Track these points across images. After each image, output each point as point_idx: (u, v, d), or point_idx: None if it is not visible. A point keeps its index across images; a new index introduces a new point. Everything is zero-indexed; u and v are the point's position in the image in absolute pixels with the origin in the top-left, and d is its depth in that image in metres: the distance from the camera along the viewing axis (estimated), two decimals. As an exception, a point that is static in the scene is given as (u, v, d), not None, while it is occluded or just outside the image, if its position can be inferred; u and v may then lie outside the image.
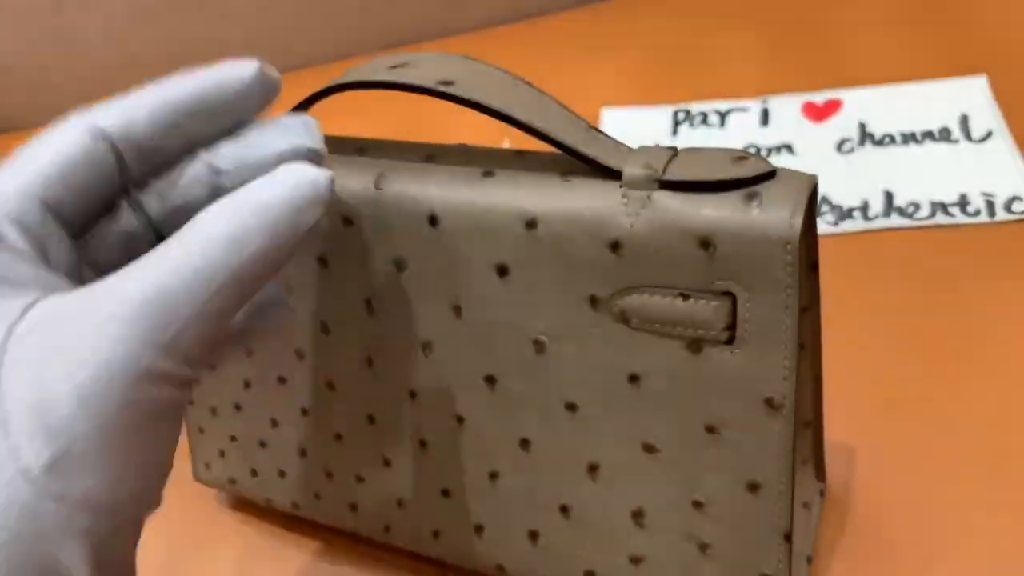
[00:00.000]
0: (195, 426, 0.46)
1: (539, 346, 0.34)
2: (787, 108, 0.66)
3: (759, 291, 0.29)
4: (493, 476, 0.37)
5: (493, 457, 0.37)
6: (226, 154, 0.30)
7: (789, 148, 0.62)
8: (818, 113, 0.65)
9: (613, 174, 0.31)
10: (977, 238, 0.53)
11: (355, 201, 0.35)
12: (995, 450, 0.43)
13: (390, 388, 0.38)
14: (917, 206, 0.56)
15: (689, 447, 0.33)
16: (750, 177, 0.29)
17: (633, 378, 0.33)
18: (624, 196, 0.31)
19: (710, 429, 0.32)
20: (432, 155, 0.35)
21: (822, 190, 0.57)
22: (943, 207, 0.55)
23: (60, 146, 0.29)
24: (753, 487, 0.32)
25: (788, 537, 0.32)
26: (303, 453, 0.43)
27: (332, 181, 0.28)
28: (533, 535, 0.38)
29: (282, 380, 0.42)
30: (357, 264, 0.36)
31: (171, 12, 0.82)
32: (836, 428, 0.44)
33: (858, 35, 0.71)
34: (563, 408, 0.34)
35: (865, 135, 0.62)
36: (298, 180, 0.28)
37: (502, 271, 0.33)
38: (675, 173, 0.30)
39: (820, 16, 0.73)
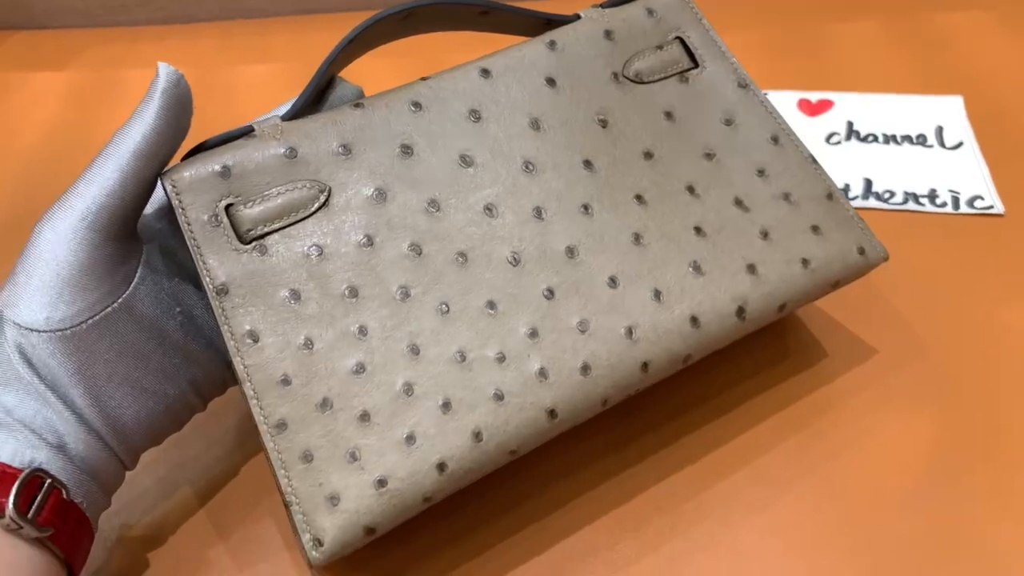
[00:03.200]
0: (312, 498, 0.40)
1: (603, 123, 0.48)
2: (783, 101, 0.72)
3: (688, 27, 0.52)
4: (637, 237, 0.48)
5: (620, 221, 0.48)
6: None
7: (784, 137, 0.70)
8: (811, 109, 0.70)
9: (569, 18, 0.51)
10: (942, 225, 0.60)
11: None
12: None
13: (506, 233, 0.47)
14: (892, 193, 0.62)
15: (727, 140, 0.50)
16: None
17: (668, 115, 0.49)
18: (591, 14, 0.51)
19: (727, 123, 0.50)
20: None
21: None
22: (915, 197, 0.62)
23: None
24: (774, 139, 0.52)
25: (813, 159, 0.52)
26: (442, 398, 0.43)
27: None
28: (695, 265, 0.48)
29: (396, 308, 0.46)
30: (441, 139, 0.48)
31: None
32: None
33: (853, 49, 0.76)
34: (642, 158, 0.49)
35: (852, 132, 0.69)
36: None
37: (551, 83, 0.49)
38: None
39: (820, 28, 0.78)
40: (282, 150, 0.47)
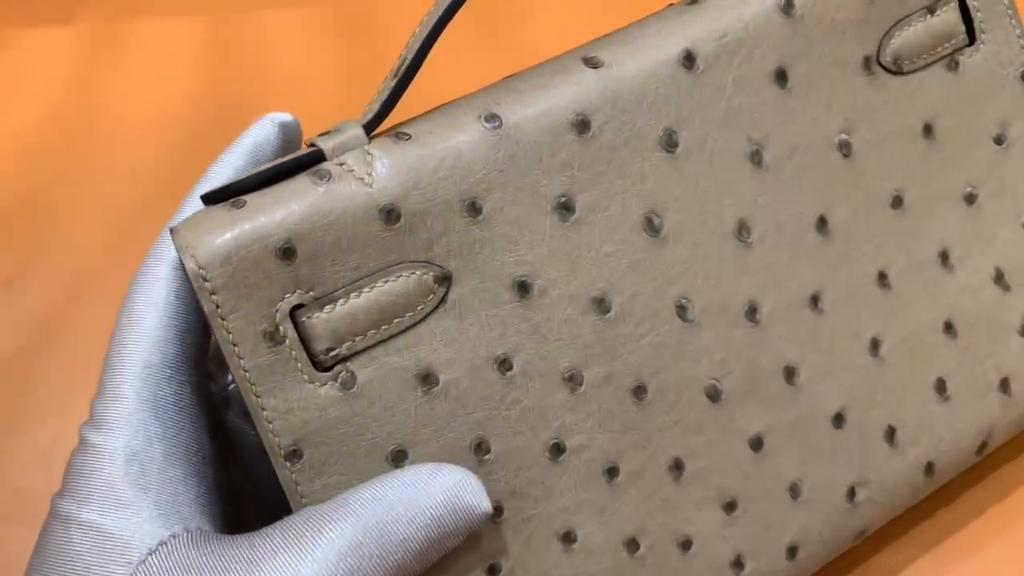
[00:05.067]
0: None
1: (845, 148, 0.34)
2: None
3: None
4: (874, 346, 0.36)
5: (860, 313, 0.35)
6: None
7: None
8: None
9: None
10: None
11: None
12: None
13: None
14: None
15: (992, 170, 0.36)
16: None
17: (927, 129, 0.35)
18: None
19: (998, 140, 0.36)
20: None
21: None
22: None
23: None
24: None
25: None
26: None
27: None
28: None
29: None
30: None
31: None
32: None
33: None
34: (889, 206, 0.35)
35: None
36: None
37: (781, 78, 0.33)
38: None
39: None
40: (379, 205, 0.30)
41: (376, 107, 0.31)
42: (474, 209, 0.30)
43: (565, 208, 0.31)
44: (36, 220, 0.58)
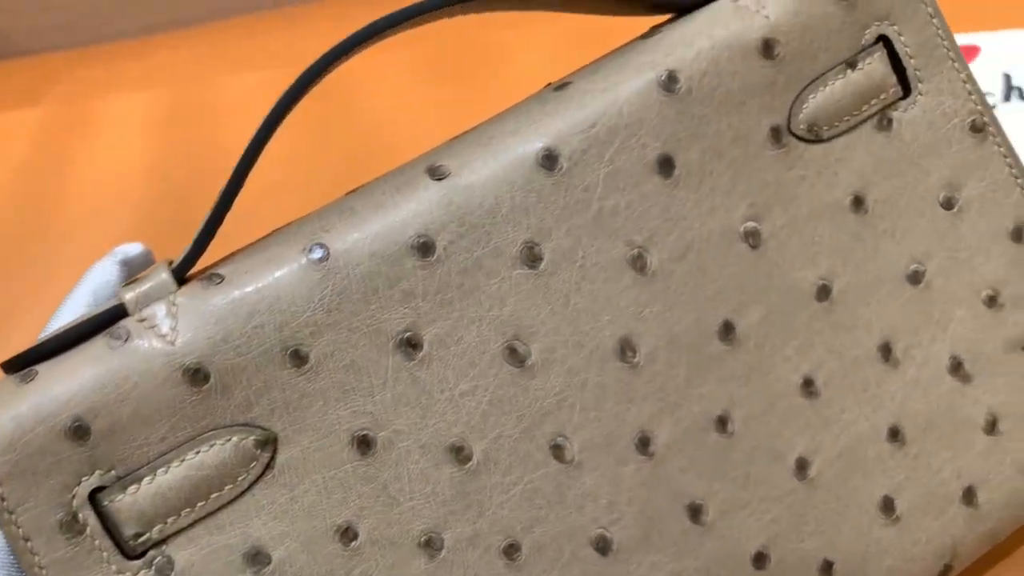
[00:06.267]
0: None
1: (752, 238, 0.29)
2: None
3: (903, 14, 0.31)
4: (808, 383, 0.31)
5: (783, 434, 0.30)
6: None
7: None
8: None
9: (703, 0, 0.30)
10: None
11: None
12: None
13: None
14: None
15: (943, 240, 0.31)
16: None
17: (857, 202, 0.31)
18: (736, 1, 0.30)
19: (947, 204, 0.31)
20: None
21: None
22: None
23: None
24: (1017, 234, 0.32)
25: None
26: None
27: None
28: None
29: None
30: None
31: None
32: None
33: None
34: (813, 299, 0.30)
35: (1011, 88, 0.53)
36: None
37: (665, 167, 0.28)
38: None
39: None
40: (182, 366, 0.26)
41: (188, 248, 0.27)
42: (299, 358, 0.26)
43: (410, 345, 0.27)
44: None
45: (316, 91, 0.32)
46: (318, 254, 0.27)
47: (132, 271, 0.31)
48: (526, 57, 0.63)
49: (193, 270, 0.28)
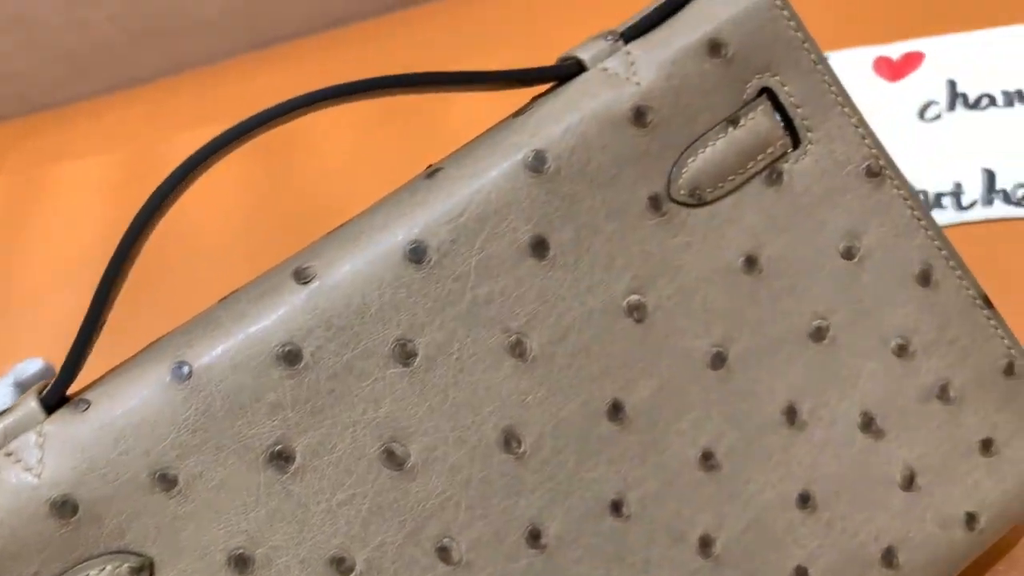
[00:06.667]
0: None
1: (636, 312, 0.28)
2: (854, 66, 0.54)
3: (784, 64, 0.30)
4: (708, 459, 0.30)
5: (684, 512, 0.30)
6: None
7: (859, 117, 0.48)
8: (893, 70, 0.53)
9: (574, 70, 0.29)
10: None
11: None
12: None
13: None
14: None
15: (845, 292, 0.30)
16: None
17: (750, 262, 0.30)
18: (606, 69, 0.29)
19: (847, 254, 0.30)
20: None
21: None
22: None
23: None
24: (924, 277, 0.31)
25: (986, 300, 0.32)
26: None
27: None
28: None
29: None
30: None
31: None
32: None
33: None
34: (707, 367, 0.29)
35: (956, 96, 0.51)
36: None
37: (539, 249, 0.28)
38: (629, 24, 0.29)
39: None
40: (48, 500, 0.26)
41: (59, 372, 0.27)
42: (167, 481, 0.26)
43: (281, 458, 0.27)
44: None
45: (264, 144, 0.31)
46: (181, 372, 0.26)
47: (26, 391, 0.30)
48: (468, 102, 0.63)
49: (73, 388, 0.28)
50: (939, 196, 0.48)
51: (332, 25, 0.73)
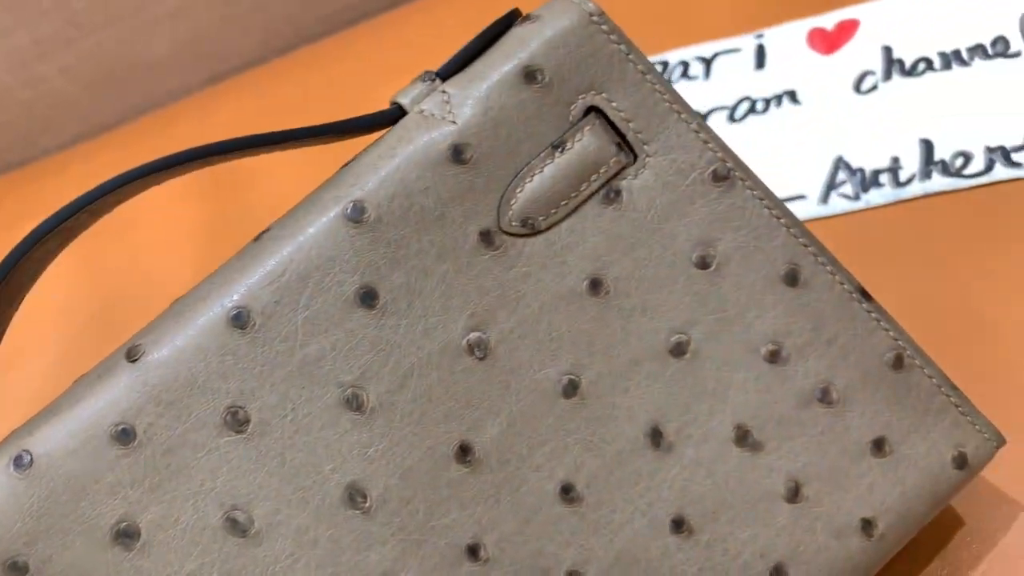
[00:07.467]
0: None
1: (478, 348, 0.28)
2: (788, 40, 0.53)
3: (609, 80, 0.29)
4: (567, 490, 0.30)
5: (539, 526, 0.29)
6: None
7: (792, 96, 0.50)
8: (828, 42, 0.52)
9: (396, 115, 0.29)
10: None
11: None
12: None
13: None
14: (967, 157, 0.44)
15: (704, 303, 0.29)
16: (512, 18, 0.30)
17: (595, 285, 0.29)
18: (422, 111, 0.29)
19: (702, 263, 0.29)
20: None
21: (836, 151, 0.46)
22: (1005, 155, 0.43)
23: None
24: (791, 277, 0.30)
25: (864, 292, 0.31)
26: None
27: None
28: None
29: None
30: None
31: (87, 36, 0.71)
32: None
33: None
34: (560, 396, 0.29)
35: (892, 63, 0.49)
36: None
37: (368, 300, 0.28)
38: (446, 63, 0.29)
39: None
40: None
41: None
42: (18, 569, 0.27)
43: (126, 535, 0.27)
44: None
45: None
46: (22, 462, 0.27)
47: None
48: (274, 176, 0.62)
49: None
50: (876, 173, 0.46)
51: (281, 52, 0.73)
